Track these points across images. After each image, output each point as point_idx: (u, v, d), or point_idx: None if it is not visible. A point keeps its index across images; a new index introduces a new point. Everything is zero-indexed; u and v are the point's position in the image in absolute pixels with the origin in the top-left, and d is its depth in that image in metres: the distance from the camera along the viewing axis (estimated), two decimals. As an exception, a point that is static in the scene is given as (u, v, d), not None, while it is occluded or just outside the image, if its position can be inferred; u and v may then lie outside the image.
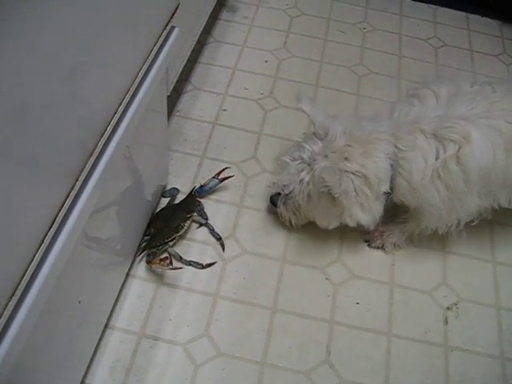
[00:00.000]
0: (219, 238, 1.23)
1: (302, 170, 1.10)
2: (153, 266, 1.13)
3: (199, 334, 1.09)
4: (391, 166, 1.06)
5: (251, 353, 1.08)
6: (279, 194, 1.18)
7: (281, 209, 1.20)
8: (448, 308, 1.19)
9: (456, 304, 1.20)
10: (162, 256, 1.14)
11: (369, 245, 1.27)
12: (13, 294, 0.58)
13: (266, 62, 1.69)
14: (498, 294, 1.23)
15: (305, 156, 1.10)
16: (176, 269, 1.11)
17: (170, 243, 1.18)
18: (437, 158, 1.03)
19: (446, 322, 1.17)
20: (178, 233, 1.18)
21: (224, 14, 1.83)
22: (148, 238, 1.19)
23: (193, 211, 1.23)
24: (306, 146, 1.11)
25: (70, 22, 0.59)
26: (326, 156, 1.07)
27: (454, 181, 1.04)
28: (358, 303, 1.18)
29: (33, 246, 0.61)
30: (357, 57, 1.75)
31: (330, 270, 1.22)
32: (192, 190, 1.29)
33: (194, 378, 1.03)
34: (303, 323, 1.13)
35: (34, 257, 0.61)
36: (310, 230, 1.27)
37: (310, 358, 1.09)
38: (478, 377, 1.10)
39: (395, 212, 1.23)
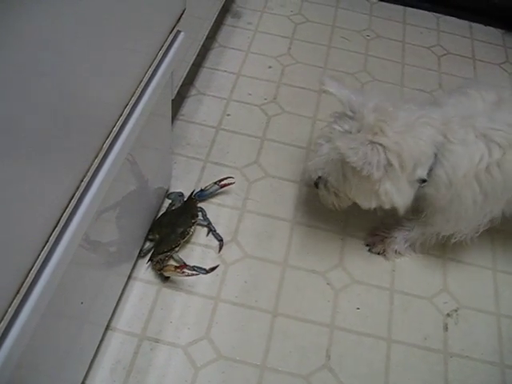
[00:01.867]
0: (220, 240, 1.24)
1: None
2: (165, 273, 1.14)
3: (200, 336, 1.10)
4: (435, 154, 1.02)
5: (251, 356, 1.08)
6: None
7: (322, 191, 1.15)
8: (448, 314, 1.19)
9: (456, 310, 1.20)
10: (173, 263, 1.15)
11: (369, 250, 1.28)
12: (16, 294, 0.58)
13: (270, 67, 1.70)
14: (498, 301, 1.23)
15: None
16: (193, 275, 1.12)
17: (176, 249, 1.18)
18: (481, 159, 1.00)
19: (445, 328, 1.17)
20: (184, 238, 1.18)
21: (229, 20, 1.84)
22: (153, 244, 1.20)
23: (197, 216, 1.24)
24: (337, 127, 1.06)
25: (76, 24, 0.59)
26: (359, 131, 1.01)
27: (492, 186, 1.02)
28: (358, 308, 1.18)
29: (37, 246, 0.61)
30: (360, 64, 1.76)
31: (331, 275, 1.23)
32: (192, 193, 1.30)
33: (194, 381, 1.04)
34: (304, 327, 1.14)
35: (38, 257, 0.61)
36: (310, 234, 1.28)
37: (310, 362, 1.09)
38: (478, 384, 1.10)
39: (399, 219, 1.23)
